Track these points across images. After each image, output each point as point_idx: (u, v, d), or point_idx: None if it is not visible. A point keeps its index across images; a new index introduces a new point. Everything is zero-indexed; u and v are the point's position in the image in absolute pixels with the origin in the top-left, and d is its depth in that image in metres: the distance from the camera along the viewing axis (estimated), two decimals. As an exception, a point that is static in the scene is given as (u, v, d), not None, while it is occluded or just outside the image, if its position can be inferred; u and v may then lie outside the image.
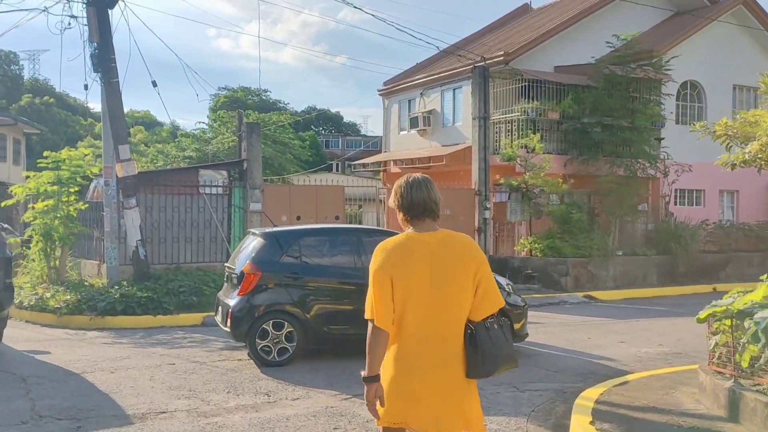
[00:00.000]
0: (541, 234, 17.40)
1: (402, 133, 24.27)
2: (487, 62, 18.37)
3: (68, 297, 11.84)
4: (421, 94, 22.76)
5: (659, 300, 16.06)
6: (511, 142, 17.91)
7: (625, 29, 19.17)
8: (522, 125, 18.58)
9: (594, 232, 17.49)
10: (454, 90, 21.39)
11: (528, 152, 17.60)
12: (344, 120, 79.98)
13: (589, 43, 19.61)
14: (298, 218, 15.07)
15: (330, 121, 76.57)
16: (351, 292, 8.68)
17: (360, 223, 20.46)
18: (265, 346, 8.39)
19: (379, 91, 25.38)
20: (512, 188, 17.56)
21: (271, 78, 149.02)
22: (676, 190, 20.53)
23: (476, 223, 17.53)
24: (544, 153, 17.32)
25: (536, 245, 17.24)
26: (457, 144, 20.75)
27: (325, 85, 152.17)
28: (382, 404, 3.12)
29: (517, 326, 9.25)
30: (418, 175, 3.34)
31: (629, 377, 7.68)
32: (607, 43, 18.47)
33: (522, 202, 17.65)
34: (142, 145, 45.03)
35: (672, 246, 18.43)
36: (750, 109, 22.17)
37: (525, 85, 19.02)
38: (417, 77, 23.21)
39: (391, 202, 3.31)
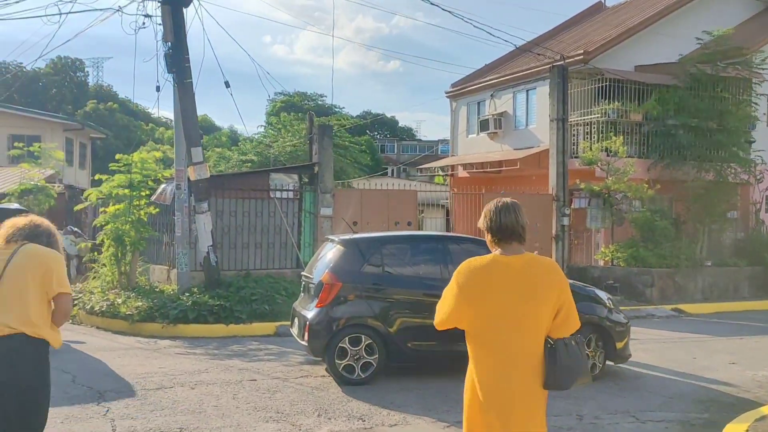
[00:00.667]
0: (623, 242, 16.41)
1: (471, 136, 23.52)
2: (566, 61, 17.50)
3: (139, 303, 11.53)
4: (491, 95, 21.98)
5: (754, 315, 14.89)
6: (591, 145, 16.98)
7: (709, 26, 18.01)
8: (602, 127, 17.62)
9: (681, 241, 16.43)
10: (527, 91, 20.54)
11: (609, 155, 16.65)
12: (399, 125, 79.60)
13: (671, 42, 18.57)
14: (355, 224, 14.49)
15: (385, 126, 76.27)
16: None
17: (421, 228, 19.78)
18: (347, 365, 7.80)
19: (446, 93, 24.68)
20: (593, 194, 16.62)
21: (325, 83, 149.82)
22: (766, 197, 19.26)
23: (554, 230, 16.66)
24: (626, 156, 16.31)
25: (618, 254, 16.26)
26: (530, 147, 19.90)
27: (379, 89, 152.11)
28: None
29: (619, 345, 8.43)
30: (508, 199, 3.46)
31: (765, 410, 6.80)
32: (698, 39, 17.32)
33: (603, 209, 16.70)
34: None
35: (766, 256, 17.20)
36: None
37: (604, 86, 18.06)
38: (487, 78, 22.44)
39: (481, 223, 3.45)
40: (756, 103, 17.81)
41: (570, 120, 17.52)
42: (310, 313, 7.98)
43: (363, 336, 7.89)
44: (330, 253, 8.51)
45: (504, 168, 20.98)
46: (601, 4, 25.95)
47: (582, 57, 17.83)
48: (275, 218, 13.79)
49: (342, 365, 7.77)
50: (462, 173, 23.49)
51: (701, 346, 10.88)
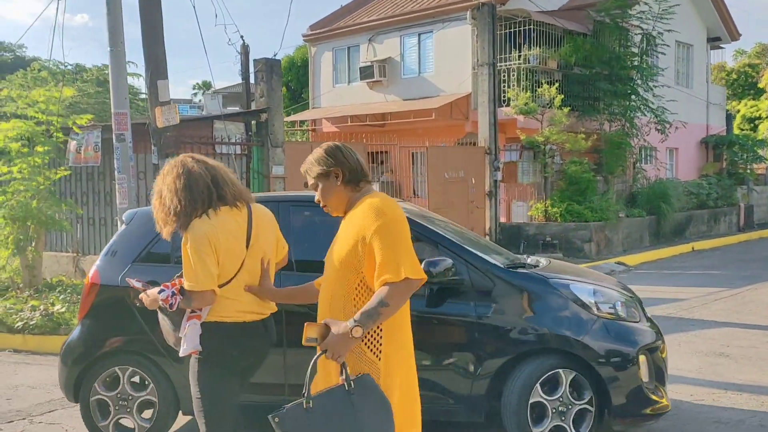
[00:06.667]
0: (557, 197, 15.67)
1: (339, 85, 21.10)
2: (481, 1, 16.01)
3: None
4: (369, 39, 19.79)
5: (671, 263, 15.18)
6: (517, 94, 15.84)
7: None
8: (522, 75, 16.56)
9: (608, 194, 16.17)
10: (419, 35, 18.73)
11: (544, 106, 15.67)
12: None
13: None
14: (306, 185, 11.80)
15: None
16: None
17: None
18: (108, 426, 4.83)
19: (304, 36, 21.86)
20: (527, 146, 15.59)
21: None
22: (639, 148, 19.93)
23: (487, 187, 15.34)
24: (559, 107, 15.44)
25: (554, 209, 15.49)
26: (428, 97, 18.23)
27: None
28: None
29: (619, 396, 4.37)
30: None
31: None
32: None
33: (534, 162, 15.76)
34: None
35: (661, 206, 17.73)
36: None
37: (513, 31, 16.97)
38: (364, 21, 20.14)
39: (324, 164, 2.96)
40: (634, 53, 17.68)
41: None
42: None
43: (132, 371, 4.82)
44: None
45: (389, 121, 19.14)
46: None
47: (500, -2, 16.48)
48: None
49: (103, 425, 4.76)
50: (329, 128, 21.09)
51: (731, 301, 10.33)
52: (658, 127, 18.16)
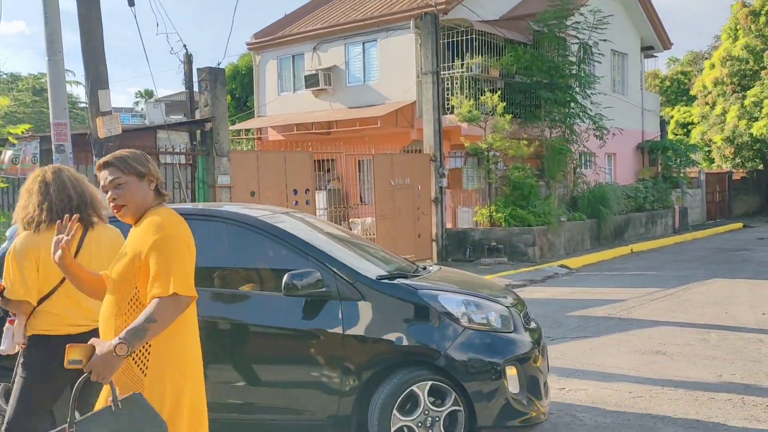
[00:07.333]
0: (501, 202, 15.97)
1: (284, 94, 21.03)
2: (424, 11, 16.23)
3: None
4: (314, 48, 19.80)
5: (612, 264, 15.66)
6: (461, 101, 16.11)
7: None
8: (465, 83, 16.84)
9: (550, 198, 16.57)
10: (363, 44, 18.85)
11: (487, 113, 15.96)
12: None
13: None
14: (252, 194, 11.78)
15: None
16: None
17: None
18: None
19: (248, 45, 21.72)
20: (471, 153, 15.85)
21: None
22: (579, 153, 20.47)
23: (433, 193, 15.54)
24: (503, 113, 15.76)
25: (498, 214, 15.78)
26: (373, 105, 18.35)
27: None
28: None
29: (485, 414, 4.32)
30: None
31: None
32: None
33: (479, 168, 16.03)
34: None
35: (601, 209, 18.26)
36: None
37: (456, 41, 17.25)
38: (309, 29, 20.14)
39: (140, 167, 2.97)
40: (572, 62, 18.25)
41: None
42: None
43: None
44: None
45: (335, 129, 19.18)
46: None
47: (444, 6, 16.73)
48: (167, 190, 10.31)
49: None
50: (275, 136, 21.01)
51: (674, 299, 10.74)
52: (597, 134, 18.71)
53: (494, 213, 15.85)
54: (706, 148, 31.90)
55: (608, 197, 18.38)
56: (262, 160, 12.02)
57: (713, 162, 32.27)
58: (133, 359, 2.72)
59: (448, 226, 16.14)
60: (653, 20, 23.76)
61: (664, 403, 5.68)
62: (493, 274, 13.57)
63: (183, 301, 2.69)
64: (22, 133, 8.79)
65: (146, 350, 2.73)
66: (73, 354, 2.60)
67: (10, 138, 8.76)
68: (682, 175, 24.61)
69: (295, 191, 12.48)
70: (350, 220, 15.08)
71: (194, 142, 10.84)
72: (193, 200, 10.82)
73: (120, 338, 2.58)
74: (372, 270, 4.65)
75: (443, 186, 15.60)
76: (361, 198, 16.87)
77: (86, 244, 3.44)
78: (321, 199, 14.58)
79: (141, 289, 2.76)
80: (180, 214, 2.86)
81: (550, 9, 17.20)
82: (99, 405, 2.77)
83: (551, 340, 8.08)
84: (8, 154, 8.83)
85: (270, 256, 4.68)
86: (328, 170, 15.77)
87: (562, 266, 15.03)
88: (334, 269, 4.41)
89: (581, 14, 17.58)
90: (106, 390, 2.73)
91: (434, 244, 15.67)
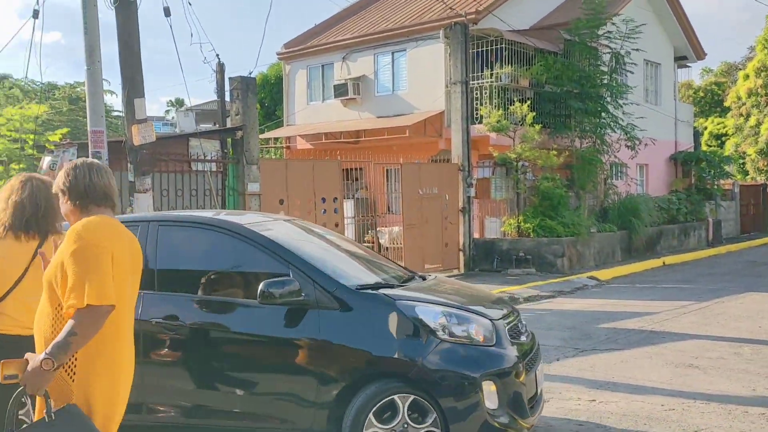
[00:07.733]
0: (529, 213, 15.87)
1: (313, 103, 21.18)
2: (454, 21, 16.25)
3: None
4: (343, 58, 19.93)
5: (643, 277, 15.43)
6: (490, 111, 16.06)
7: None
8: (494, 93, 16.80)
9: (579, 209, 16.42)
10: (393, 53, 18.91)
11: (516, 123, 15.90)
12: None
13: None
14: (281, 202, 11.86)
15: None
16: None
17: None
18: None
19: (278, 54, 21.94)
20: (499, 163, 15.79)
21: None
22: (610, 164, 20.27)
23: (460, 203, 15.49)
24: (531, 124, 15.68)
25: (527, 225, 15.67)
26: (401, 115, 18.39)
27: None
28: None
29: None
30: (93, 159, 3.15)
31: None
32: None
33: (507, 178, 15.96)
34: None
35: (632, 221, 18.04)
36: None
37: (486, 50, 17.23)
38: (338, 39, 20.29)
39: (61, 184, 2.98)
40: (620, 76, 18.19)
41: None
42: None
43: None
44: None
45: (363, 138, 19.24)
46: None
47: (474, 17, 16.74)
48: (198, 197, 10.45)
49: None
50: (304, 145, 21.14)
51: (712, 311, 10.55)
52: (628, 144, 18.50)
53: (522, 223, 15.75)
54: (740, 160, 31.38)
55: (640, 208, 18.14)
56: (291, 168, 12.11)
57: (747, 174, 31.71)
58: (65, 368, 2.77)
59: (476, 236, 16.07)
60: (686, 30, 23.48)
61: (697, 417, 5.58)
62: (521, 284, 13.48)
63: (100, 311, 2.68)
64: (60, 139, 8.98)
65: (74, 358, 2.78)
66: (8, 369, 2.67)
67: (48, 145, 8.96)
68: (716, 187, 24.19)
69: (324, 199, 12.55)
70: (378, 229, 15.10)
71: (225, 150, 10.96)
72: (223, 207, 10.94)
73: (46, 353, 2.64)
74: (355, 279, 4.62)
75: (471, 195, 15.54)
76: (388, 207, 16.87)
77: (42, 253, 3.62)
78: (349, 207, 14.62)
79: (63, 297, 2.79)
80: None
81: (582, 18, 17.12)
82: (36, 417, 2.82)
83: (580, 351, 8.00)
84: (47, 160, 9.03)
85: (251, 264, 4.69)
86: (356, 179, 15.83)
87: (591, 278, 14.86)
88: (313, 278, 4.36)
89: (613, 23, 17.45)
90: (41, 402, 2.77)
91: (461, 253, 15.60)
